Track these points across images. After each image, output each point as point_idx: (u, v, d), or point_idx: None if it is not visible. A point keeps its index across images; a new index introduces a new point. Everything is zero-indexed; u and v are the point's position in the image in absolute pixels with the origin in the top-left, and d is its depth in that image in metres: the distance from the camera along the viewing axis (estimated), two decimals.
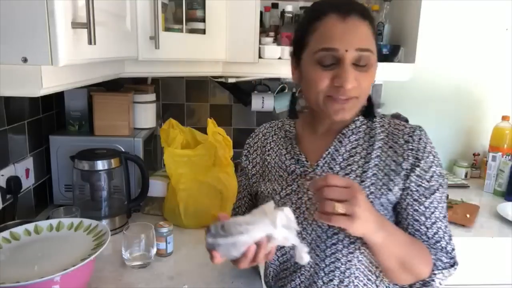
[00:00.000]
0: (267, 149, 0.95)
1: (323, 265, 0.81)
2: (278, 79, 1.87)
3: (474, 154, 2.01)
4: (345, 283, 0.80)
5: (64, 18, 0.67)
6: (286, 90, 1.87)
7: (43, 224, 1.02)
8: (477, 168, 1.99)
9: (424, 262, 0.78)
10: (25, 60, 0.66)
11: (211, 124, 1.37)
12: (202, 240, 1.24)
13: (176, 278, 1.04)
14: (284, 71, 1.57)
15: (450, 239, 0.83)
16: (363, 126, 0.86)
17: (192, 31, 1.33)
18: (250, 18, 1.41)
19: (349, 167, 0.83)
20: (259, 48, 1.47)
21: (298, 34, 0.82)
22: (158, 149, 1.65)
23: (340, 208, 0.66)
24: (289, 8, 1.64)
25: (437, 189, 0.80)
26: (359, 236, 0.74)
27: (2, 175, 1.17)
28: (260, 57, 1.48)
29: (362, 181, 0.80)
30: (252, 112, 1.89)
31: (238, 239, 0.67)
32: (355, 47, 0.73)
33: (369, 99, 0.84)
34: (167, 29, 1.28)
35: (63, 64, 0.67)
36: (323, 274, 0.81)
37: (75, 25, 0.70)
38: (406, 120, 1.77)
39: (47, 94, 0.72)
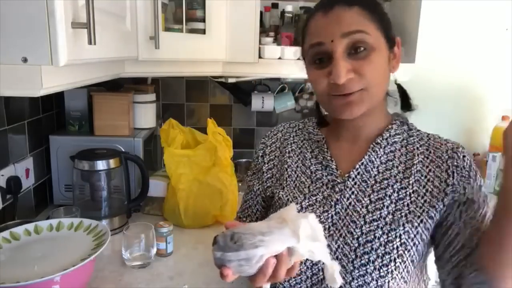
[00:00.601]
0: (287, 151, 0.86)
1: None
2: (278, 79, 1.87)
3: (474, 154, 2.01)
4: None
5: (64, 18, 0.67)
6: (286, 90, 1.87)
7: (43, 224, 1.02)
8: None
9: None
10: (25, 60, 0.66)
11: (211, 124, 1.37)
12: (202, 240, 1.24)
13: (176, 278, 1.04)
14: (284, 71, 1.57)
15: None
16: (398, 136, 0.79)
17: (192, 31, 1.33)
18: (250, 18, 1.41)
19: (385, 181, 0.75)
20: (259, 48, 1.47)
21: (299, 39, 0.80)
22: (158, 149, 1.65)
23: None
24: (289, 8, 1.64)
25: (484, 204, 0.74)
26: (392, 259, 0.70)
27: (2, 175, 1.17)
28: (260, 57, 1.48)
29: (400, 198, 0.74)
30: (252, 112, 1.89)
31: (252, 253, 0.55)
32: (340, 33, 0.67)
33: (400, 88, 0.77)
34: (167, 29, 1.28)
35: (63, 64, 0.67)
36: None
37: (75, 25, 0.70)
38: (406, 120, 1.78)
39: (47, 94, 0.72)
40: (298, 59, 1.54)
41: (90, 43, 0.70)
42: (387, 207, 0.73)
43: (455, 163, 0.75)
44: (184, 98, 1.90)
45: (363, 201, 0.75)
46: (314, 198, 0.78)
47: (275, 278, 0.58)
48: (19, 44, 0.65)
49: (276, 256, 0.57)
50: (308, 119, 0.91)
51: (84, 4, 0.69)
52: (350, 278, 0.72)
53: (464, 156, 0.76)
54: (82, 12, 0.71)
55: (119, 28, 0.98)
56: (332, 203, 0.76)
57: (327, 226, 0.75)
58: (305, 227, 0.56)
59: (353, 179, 0.77)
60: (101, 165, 1.25)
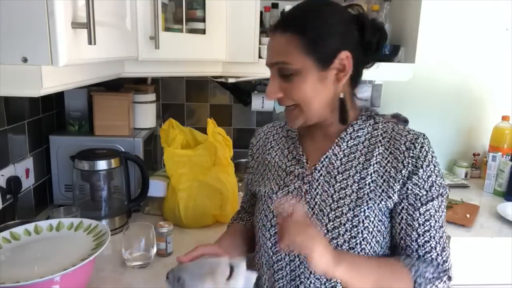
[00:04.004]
0: (267, 148, 0.95)
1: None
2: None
3: (474, 154, 2.01)
4: None
5: (64, 18, 0.67)
6: None
7: (43, 224, 1.02)
8: (477, 168, 1.99)
9: (401, 281, 0.75)
10: (25, 60, 0.66)
11: (211, 124, 1.37)
12: (202, 240, 1.24)
13: None
14: None
15: (443, 251, 0.81)
16: (362, 130, 0.84)
17: (192, 31, 1.33)
18: (250, 18, 1.41)
19: (347, 172, 0.82)
20: (259, 48, 1.47)
21: None
22: (158, 149, 1.65)
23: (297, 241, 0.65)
24: (289, 8, 1.63)
25: (436, 198, 0.79)
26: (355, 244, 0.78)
27: (2, 175, 1.17)
28: (260, 57, 1.48)
29: (360, 188, 0.79)
30: (252, 112, 1.89)
31: None
32: (270, 62, 0.80)
33: (342, 103, 0.81)
34: (167, 29, 1.28)
35: (63, 64, 0.67)
36: None
37: (75, 25, 0.70)
38: (406, 120, 1.78)
39: (47, 94, 0.72)
40: None
41: (90, 43, 0.70)
42: (350, 196, 0.80)
43: (411, 154, 0.78)
44: (184, 98, 1.90)
45: (328, 191, 0.82)
46: (287, 188, 0.86)
47: None
48: (19, 44, 0.65)
49: None
50: None
51: (84, 4, 0.69)
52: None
53: (421, 147, 0.79)
54: (82, 12, 0.71)
55: (119, 28, 0.98)
56: (302, 193, 0.84)
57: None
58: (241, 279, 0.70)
59: (319, 171, 0.84)
60: (101, 165, 1.25)
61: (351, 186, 0.80)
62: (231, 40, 1.41)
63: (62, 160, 1.38)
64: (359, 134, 0.84)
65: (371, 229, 0.78)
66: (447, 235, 1.36)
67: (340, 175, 0.82)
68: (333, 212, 0.79)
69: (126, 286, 1.01)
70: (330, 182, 0.82)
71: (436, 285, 0.79)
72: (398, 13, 1.69)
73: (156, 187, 1.41)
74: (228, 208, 1.35)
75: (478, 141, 2.02)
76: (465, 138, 2.03)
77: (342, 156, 0.83)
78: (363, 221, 0.78)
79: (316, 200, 0.82)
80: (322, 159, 0.84)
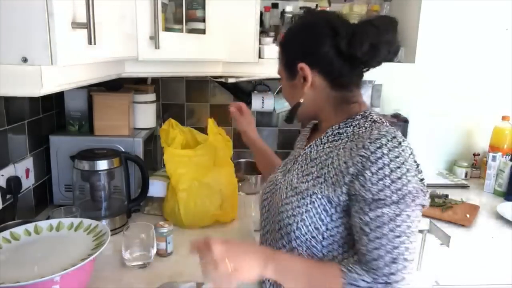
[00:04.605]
0: (297, 140, 1.08)
1: None
2: (278, 79, 1.87)
3: (474, 154, 2.01)
4: None
5: (64, 18, 0.67)
6: None
7: (43, 224, 1.02)
8: (477, 168, 1.99)
9: (331, 284, 0.76)
10: (25, 60, 0.66)
11: (211, 124, 1.37)
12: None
13: (176, 278, 1.04)
14: None
15: (394, 263, 0.73)
16: (346, 128, 0.86)
17: (192, 31, 1.33)
18: (250, 18, 1.41)
19: (314, 161, 0.87)
20: (259, 48, 1.47)
21: None
22: (158, 149, 1.65)
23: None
24: (289, 8, 1.64)
25: (388, 205, 0.74)
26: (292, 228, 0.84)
27: (2, 175, 1.17)
28: (260, 57, 1.48)
29: (318, 177, 0.83)
30: (252, 112, 1.89)
31: None
32: None
33: (294, 107, 0.93)
34: (167, 29, 1.28)
35: (63, 64, 0.67)
36: None
37: (75, 25, 0.70)
38: (406, 120, 1.78)
39: (47, 94, 0.72)
40: None
41: (90, 43, 0.70)
42: (308, 182, 0.85)
43: (362, 153, 0.76)
44: (184, 98, 1.90)
45: (298, 174, 0.89)
46: (285, 167, 0.97)
47: None
48: (19, 44, 0.65)
49: None
50: None
51: (84, 4, 0.69)
52: (272, 237, 0.91)
53: (378, 148, 0.75)
54: (82, 12, 0.71)
55: (119, 28, 0.98)
56: (287, 172, 0.94)
57: (277, 187, 0.93)
58: None
59: (301, 157, 0.92)
60: (101, 165, 1.25)
61: (312, 173, 0.85)
62: (231, 40, 1.40)
63: (62, 160, 1.38)
64: (340, 131, 0.87)
65: (312, 215, 0.81)
66: (448, 236, 1.36)
67: (311, 163, 0.88)
68: (291, 192, 0.86)
69: (126, 286, 1.01)
70: (303, 167, 0.89)
71: None
72: (398, 13, 1.69)
73: (156, 187, 1.41)
74: (228, 208, 1.35)
75: (478, 141, 2.02)
76: (465, 138, 2.03)
77: (320, 148, 0.89)
78: (307, 204, 0.82)
79: (289, 178, 0.90)
80: (306, 148, 0.92)
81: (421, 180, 0.80)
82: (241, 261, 0.75)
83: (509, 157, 1.78)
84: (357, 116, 0.87)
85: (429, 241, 1.48)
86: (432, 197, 1.60)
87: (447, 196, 1.63)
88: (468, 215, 1.47)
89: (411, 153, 0.78)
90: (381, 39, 0.81)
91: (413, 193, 0.75)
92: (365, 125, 0.84)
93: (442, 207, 1.52)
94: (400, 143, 0.76)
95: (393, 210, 0.74)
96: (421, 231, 1.48)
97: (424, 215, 1.49)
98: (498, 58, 1.93)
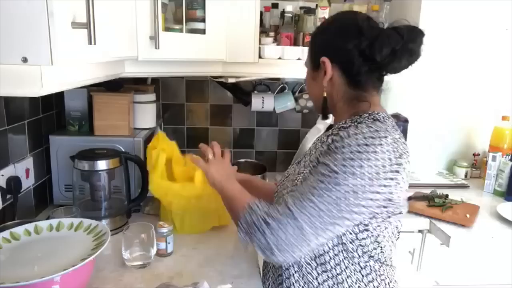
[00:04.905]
0: None
1: None
2: (278, 79, 1.88)
3: (474, 154, 2.01)
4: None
5: (64, 18, 0.67)
6: (286, 90, 1.88)
7: (43, 224, 1.02)
8: (477, 168, 1.99)
9: (242, 200, 0.91)
10: (25, 60, 0.66)
11: (161, 137, 1.28)
12: (202, 240, 1.25)
13: (176, 278, 1.04)
14: (284, 71, 1.58)
15: (294, 198, 0.80)
16: (350, 123, 0.88)
17: (192, 31, 1.33)
18: (250, 18, 1.41)
19: (316, 154, 0.90)
20: (259, 48, 1.47)
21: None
22: None
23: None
24: (289, 8, 1.64)
25: (330, 171, 0.79)
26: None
27: (2, 175, 1.17)
28: (260, 57, 1.48)
29: (305, 166, 0.91)
30: (252, 112, 1.89)
31: None
32: None
33: (324, 101, 0.95)
34: (167, 29, 1.28)
35: (63, 64, 0.67)
36: None
37: (75, 25, 0.70)
38: (406, 120, 1.78)
39: (47, 94, 0.72)
40: (298, 59, 1.54)
41: (90, 43, 0.70)
42: (305, 169, 0.90)
43: (324, 143, 0.87)
44: (184, 98, 1.90)
45: (303, 163, 0.94)
46: (297, 159, 1.02)
47: None
48: (19, 44, 0.65)
49: None
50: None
51: (84, 4, 0.69)
52: None
53: (333, 141, 0.82)
54: (82, 12, 0.71)
55: (119, 28, 0.98)
56: (297, 164, 0.99)
57: (287, 179, 0.97)
58: None
59: (310, 150, 0.98)
60: (101, 165, 1.24)
61: (302, 166, 0.93)
62: (231, 40, 1.41)
63: (62, 160, 1.38)
64: (344, 126, 0.89)
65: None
66: (448, 236, 1.36)
67: (312, 156, 0.92)
68: (294, 176, 0.92)
69: (126, 286, 1.01)
70: (308, 157, 0.94)
71: (262, 217, 0.82)
72: (398, 13, 1.69)
73: None
74: (227, 217, 1.26)
75: (478, 141, 2.02)
76: (465, 138, 2.03)
77: (320, 143, 0.93)
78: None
79: (296, 169, 0.95)
80: (315, 140, 1.00)
81: (393, 180, 0.80)
82: (214, 170, 1.03)
83: (509, 157, 1.78)
84: (364, 114, 0.88)
85: (429, 241, 1.48)
86: (432, 197, 1.60)
87: (447, 196, 1.63)
88: (468, 215, 1.47)
89: (384, 157, 0.79)
90: (404, 46, 0.85)
91: (334, 172, 0.78)
92: (366, 122, 0.85)
93: (442, 207, 1.52)
94: (380, 138, 0.80)
95: (322, 175, 0.79)
96: (421, 231, 1.49)
97: (424, 215, 1.49)
98: (498, 58, 1.92)
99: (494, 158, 1.77)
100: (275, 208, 0.82)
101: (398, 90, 1.93)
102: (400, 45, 0.84)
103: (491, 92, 1.96)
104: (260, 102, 1.79)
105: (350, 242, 0.84)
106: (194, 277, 1.05)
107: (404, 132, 1.70)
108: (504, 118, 1.86)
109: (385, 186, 0.78)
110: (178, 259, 1.15)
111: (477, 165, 2.00)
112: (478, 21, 1.87)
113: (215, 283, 1.01)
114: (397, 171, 0.80)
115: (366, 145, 0.78)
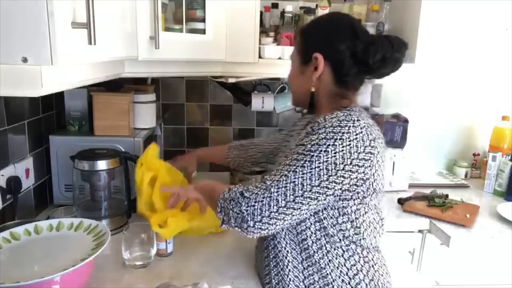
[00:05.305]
0: None
1: None
2: (278, 79, 1.87)
3: (474, 154, 2.01)
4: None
5: (64, 18, 0.67)
6: (286, 90, 1.87)
7: (43, 224, 1.02)
8: (477, 168, 1.99)
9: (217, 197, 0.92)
10: (25, 60, 0.66)
11: (150, 154, 1.19)
12: (202, 240, 1.25)
13: (176, 278, 1.04)
14: (284, 71, 1.57)
15: (275, 179, 0.84)
16: (322, 119, 0.90)
17: (192, 31, 1.33)
18: (250, 18, 1.41)
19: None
20: (259, 48, 1.47)
21: None
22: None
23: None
24: (289, 8, 1.63)
25: (301, 153, 0.84)
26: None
27: (2, 175, 1.17)
28: (260, 57, 1.48)
29: (289, 153, 0.92)
30: (252, 112, 1.89)
31: None
32: None
33: (311, 96, 0.98)
34: (167, 29, 1.27)
35: (63, 64, 0.67)
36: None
37: (75, 25, 0.70)
38: (406, 120, 1.78)
39: (47, 94, 0.72)
40: None
41: (90, 43, 0.70)
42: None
43: (308, 130, 0.89)
44: (184, 98, 1.90)
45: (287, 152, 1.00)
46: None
47: None
48: (19, 44, 0.65)
49: None
50: None
51: (84, 4, 0.69)
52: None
53: (311, 127, 0.87)
54: (82, 12, 0.71)
55: (119, 28, 0.98)
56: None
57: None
58: None
59: (293, 138, 1.05)
60: (101, 165, 1.24)
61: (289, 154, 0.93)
62: (231, 40, 1.40)
63: (62, 160, 1.38)
64: (319, 121, 0.91)
65: None
66: (448, 236, 1.36)
67: (293, 145, 0.94)
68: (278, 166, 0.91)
69: (126, 286, 1.01)
70: (289, 147, 1.04)
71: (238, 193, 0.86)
72: (398, 13, 1.69)
73: None
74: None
75: (478, 141, 2.02)
76: (465, 138, 2.03)
77: (304, 133, 0.92)
78: None
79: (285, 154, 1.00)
80: (298, 131, 1.04)
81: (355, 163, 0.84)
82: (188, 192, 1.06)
83: (509, 157, 1.78)
84: (341, 108, 0.91)
85: (429, 241, 1.48)
86: (432, 197, 1.60)
87: (447, 196, 1.63)
88: (468, 215, 1.47)
89: (357, 137, 0.83)
90: (393, 55, 0.90)
91: (310, 153, 0.83)
92: (342, 110, 0.89)
93: (442, 207, 1.52)
94: (353, 120, 0.84)
95: (302, 154, 0.84)
96: (421, 231, 1.49)
97: (424, 215, 1.49)
98: (498, 58, 1.92)
99: (494, 158, 1.77)
100: (254, 185, 0.87)
101: (398, 90, 1.94)
102: (390, 53, 0.90)
103: (491, 92, 1.97)
104: (260, 102, 1.79)
105: (331, 227, 0.88)
106: (194, 277, 1.05)
107: (404, 132, 1.70)
108: (504, 118, 1.86)
109: (358, 165, 0.83)
110: (178, 259, 1.15)
111: (477, 165, 2.00)
112: (478, 21, 1.87)
113: (215, 284, 1.01)
114: (370, 153, 0.84)
115: (340, 126, 0.84)
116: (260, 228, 0.83)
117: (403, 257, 1.50)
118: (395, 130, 1.70)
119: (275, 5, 1.70)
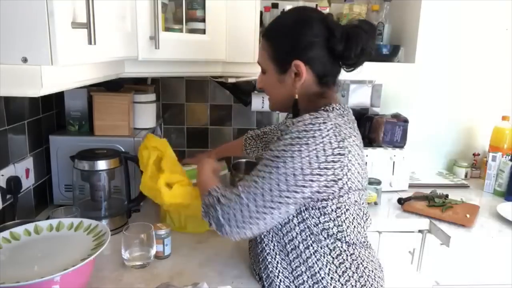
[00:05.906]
0: None
1: None
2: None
3: (474, 154, 2.01)
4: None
5: (64, 18, 0.67)
6: None
7: (43, 224, 1.02)
8: (477, 168, 1.99)
9: (209, 184, 0.96)
10: (25, 60, 0.66)
11: (150, 137, 1.24)
12: (202, 240, 1.25)
13: (176, 278, 1.04)
14: None
15: (244, 186, 0.87)
16: (299, 119, 0.90)
17: (192, 31, 1.33)
18: (250, 18, 1.41)
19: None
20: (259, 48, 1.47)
21: None
22: None
23: None
24: (289, 8, 1.63)
25: (266, 164, 0.86)
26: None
27: (2, 175, 1.17)
28: None
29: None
30: (252, 112, 1.89)
31: None
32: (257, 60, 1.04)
33: (294, 103, 0.96)
34: (167, 29, 1.27)
35: (63, 64, 0.67)
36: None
37: (75, 25, 0.70)
38: (406, 120, 1.78)
39: (47, 94, 0.72)
40: None
41: (90, 43, 0.70)
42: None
43: (280, 134, 0.89)
44: (184, 98, 1.90)
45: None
46: None
47: None
48: (19, 44, 0.65)
49: None
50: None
51: (84, 4, 0.69)
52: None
53: (281, 130, 0.88)
54: (82, 12, 0.71)
55: (119, 28, 0.98)
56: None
57: None
58: None
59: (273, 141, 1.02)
60: (101, 165, 1.24)
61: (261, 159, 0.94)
62: (231, 40, 1.40)
63: (62, 160, 1.38)
64: (298, 122, 0.91)
65: None
66: (448, 236, 1.36)
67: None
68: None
69: (126, 286, 1.01)
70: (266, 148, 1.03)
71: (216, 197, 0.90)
72: (398, 13, 1.69)
73: None
74: None
75: (478, 141, 2.02)
76: (465, 138, 2.03)
77: (277, 137, 0.94)
78: None
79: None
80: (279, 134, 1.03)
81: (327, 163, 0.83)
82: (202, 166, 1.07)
83: (509, 157, 1.78)
84: (322, 108, 0.92)
85: (429, 241, 1.48)
86: (432, 197, 1.60)
87: (447, 196, 1.63)
88: (468, 215, 1.47)
89: (324, 141, 0.83)
90: (369, 44, 0.89)
91: (276, 160, 0.83)
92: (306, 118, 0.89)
93: (442, 207, 1.53)
94: (319, 123, 0.83)
95: (267, 165, 0.85)
96: (421, 231, 1.49)
97: (424, 215, 1.49)
98: (498, 58, 1.93)
99: (494, 158, 1.77)
100: (230, 190, 0.89)
101: (398, 90, 1.94)
102: (367, 42, 0.89)
103: (491, 92, 1.97)
104: (260, 102, 1.79)
105: (314, 226, 0.89)
106: (194, 277, 1.05)
107: (404, 132, 1.70)
108: (504, 118, 1.86)
109: (326, 168, 0.83)
110: (178, 259, 1.14)
111: (477, 165, 2.00)
112: (478, 21, 1.87)
113: (215, 284, 1.01)
114: (340, 154, 0.83)
115: (305, 131, 0.83)
116: (238, 233, 0.86)
117: (403, 257, 1.50)
118: (395, 130, 1.70)
119: (275, 5, 1.70)
